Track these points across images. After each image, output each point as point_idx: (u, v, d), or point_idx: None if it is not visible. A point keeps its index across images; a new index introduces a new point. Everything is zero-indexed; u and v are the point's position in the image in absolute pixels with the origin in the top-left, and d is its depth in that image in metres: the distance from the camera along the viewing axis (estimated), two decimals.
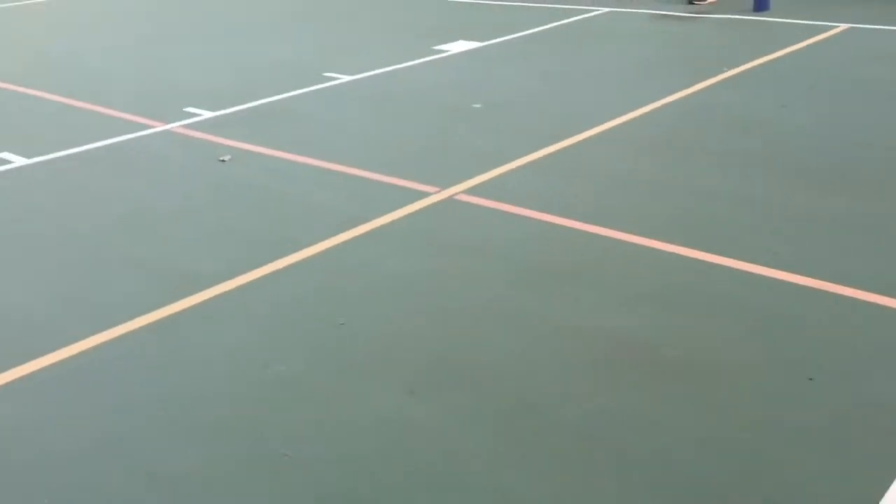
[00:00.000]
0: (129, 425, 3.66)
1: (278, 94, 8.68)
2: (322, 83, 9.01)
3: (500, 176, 6.22)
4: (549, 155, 6.58)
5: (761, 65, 8.73)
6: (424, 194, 5.94)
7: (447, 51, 10.16)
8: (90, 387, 3.95)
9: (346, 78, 9.16)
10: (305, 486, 3.26)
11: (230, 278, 4.86)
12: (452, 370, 3.94)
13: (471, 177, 6.18)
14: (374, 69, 9.45)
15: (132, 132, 7.70)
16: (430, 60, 9.80)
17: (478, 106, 7.93)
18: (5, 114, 8.63)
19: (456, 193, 5.93)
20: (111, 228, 5.67)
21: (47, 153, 7.18)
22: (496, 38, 10.68)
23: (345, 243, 5.27)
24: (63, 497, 3.28)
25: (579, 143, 6.81)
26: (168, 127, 7.79)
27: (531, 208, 5.59)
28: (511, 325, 4.28)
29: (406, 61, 9.74)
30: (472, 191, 5.96)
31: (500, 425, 3.55)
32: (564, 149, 6.69)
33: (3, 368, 4.09)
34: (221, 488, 3.27)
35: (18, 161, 7.06)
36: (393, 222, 5.53)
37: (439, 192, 5.96)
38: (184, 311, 4.55)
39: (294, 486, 3.25)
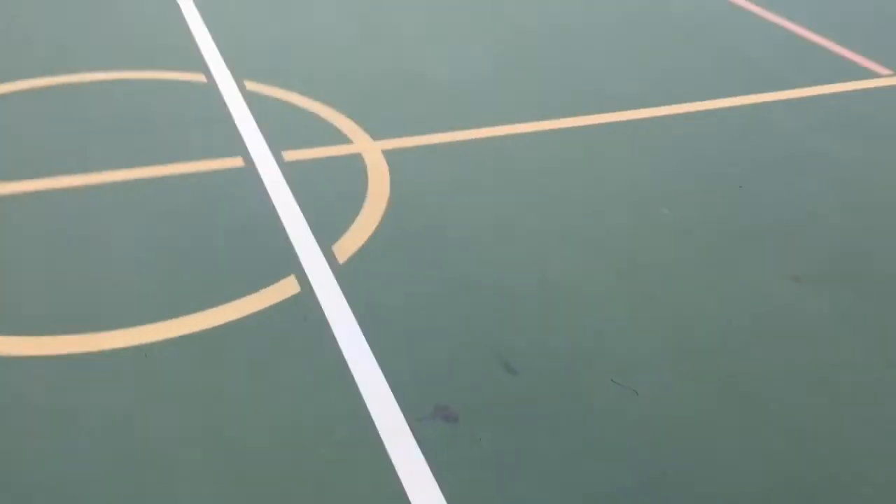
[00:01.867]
0: None
1: None
2: None
3: None
4: None
5: None
6: (874, 74, 5.24)
7: None
8: None
9: None
10: None
11: (637, 107, 4.75)
12: None
13: None
14: None
15: None
16: None
17: None
18: None
19: None
20: (542, 33, 5.75)
21: None
22: None
23: (764, 103, 4.88)
24: None
25: None
26: None
27: None
28: None
29: None
30: None
31: None
32: None
33: None
34: None
35: None
36: (828, 95, 4.98)
37: (891, 76, 5.22)
38: (590, 125, 4.58)
39: None
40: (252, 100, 4.62)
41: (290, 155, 4.14)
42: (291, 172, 4.00)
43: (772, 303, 3.38)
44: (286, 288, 3.30)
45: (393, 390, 2.87)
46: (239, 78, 4.84)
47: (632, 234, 3.75)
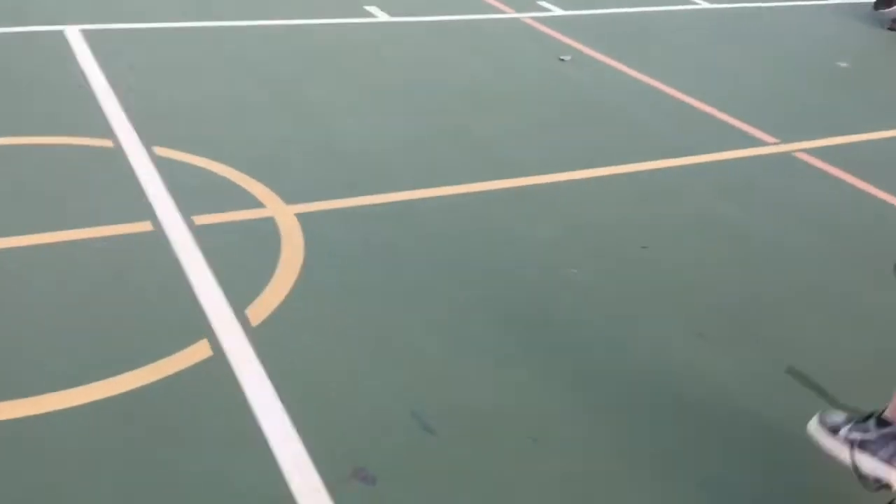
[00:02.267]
0: None
1: (634, 6, 8.49)
2: (685, 4, 8.66)
3: (860, 142, 5.69)
4: None
5: None
6: (760, 143, 5.59)
7: None
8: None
9: (706, 5, 8.72)
10: None
11: (545, 173, 4.93)
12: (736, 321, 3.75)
13: (819, 137, 5.71)
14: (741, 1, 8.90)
15: (487, 13, 7.93)
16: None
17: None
18: None
19: (796, 150, 5.51)
20: (449, 99, 5.94)
21: (407, 16, 7.62)
22: None
23: (661, 170, 5.13)
24: None
25: None
26: (519, 16, 7.92)
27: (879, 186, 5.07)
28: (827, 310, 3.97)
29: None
30: (816, 151, 5.51)
31: None
32: None
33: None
34: None
35: (382, 17, 7.56)
36: (717, 162, 5.28)
37: (777, 144, 5.58)
38: (497, 190, 4.71)
39: None
40: (161, 165, 4.58)
41: (201, 219, 4.11)
42: (202, 236, 3.97)
43: (676, 359, 3.52)
44: (198, 352, 3.24)
45: (309, 453, 2.84)
46: (147, 143, 4.79)
47: (540, 293, 3.85)
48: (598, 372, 3.38)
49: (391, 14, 7.58)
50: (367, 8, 7.68)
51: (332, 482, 2.73)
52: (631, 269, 4.08)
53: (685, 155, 5.32)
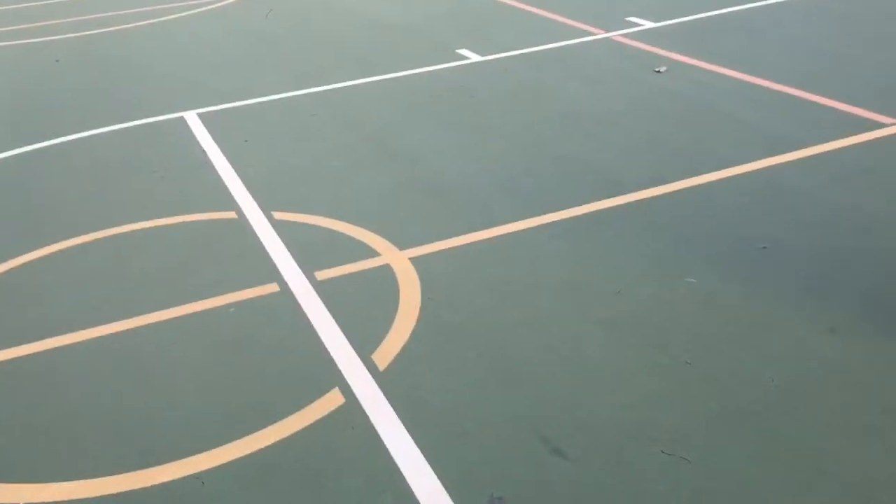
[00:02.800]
0: None
1: (724, 7, 8.33)
2: None
3: None
4: None
5: None
6: (879, 125, 5.35)
7: None
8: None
9: None
10: None
11: (649, 186, 4.89)
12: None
13: None
14: None
15: (576, 38, 7.97)
16: None
17: None
18: (465, 14, 9.43)
19: None
20: (546, 124, 5.99)
21: (497, 53, 7.75)
22: None
23: (774, 167, 4.99)
24: None
25: None
26: (610, 35, 7.92)
27: None
28: None
29: None
30: None
31: None
32: None
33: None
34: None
35: (474, 57, 7.71)
36: (832, 152, 5.09)
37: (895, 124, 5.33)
38: (604, 209, 4.70)
39: None
40: (281, 228, 4.83)
41: (322, 274, 4.30)
42: (325, 290, 4.15)
43: (812, 357, 3.40)
44: (331, 401, 3.39)
45: (446, 487, 2.91)
46: (267, 210, 5.07)
47: (659, 307, 3.81)
48: (729, 379, 3.31)
49: (482, 54, 7.73)
50: (459, 51, 7.86)
51: None
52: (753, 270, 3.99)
53: (798, 148, 5.16)
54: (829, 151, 5.10)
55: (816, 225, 4.34)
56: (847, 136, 5.25)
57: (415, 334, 3.76)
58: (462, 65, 7.58)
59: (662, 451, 2.97)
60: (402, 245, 4.51)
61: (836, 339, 3.48)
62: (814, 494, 2.76)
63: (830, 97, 5.84)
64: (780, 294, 3.81)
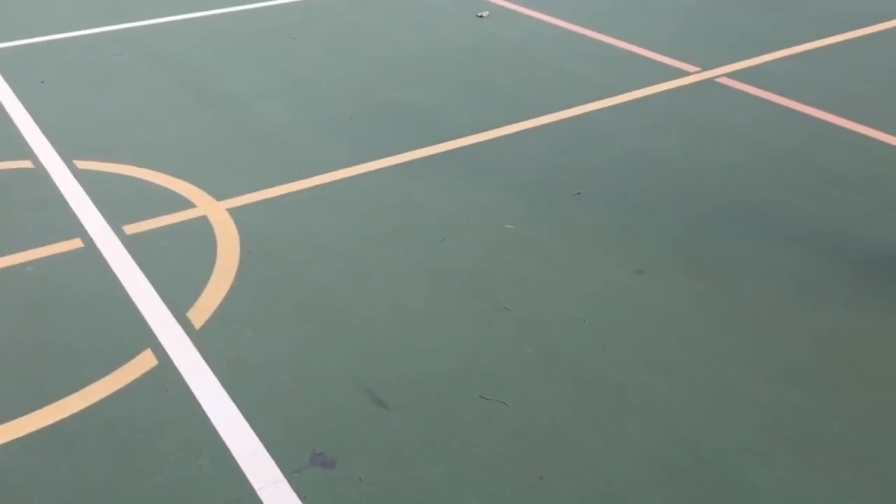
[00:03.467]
0: None
1: None
2: None
3: (770, 62, 5.74)
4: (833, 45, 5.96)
5: None
6: (685, 73, 5.62)
7: None
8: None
9: None
10: None
11: (471, 133, 4.92)
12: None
13: (737, 60, 5.75)
14: None
15: None
16: None
17: None
18: None
19: (718, 76, 5.56)
20: (370, 67, 5.88)
21: None
22: None
23: (591, 113, 5.14)
24: None
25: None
26: None
27: (798, 100, 5.14)
28: (760, 219, 4.04)
29: None
30: (735, 75, 5.56)
31: None
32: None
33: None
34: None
35: None
36: (646, 98, 5.31)
37: (699, 72, 5.62)
38: (429, 157, 4.69)
39: None
40: (84, 178, 4.49)
41: (132, 228, 4.04)
42: (135, 245, 3.91)
43: (621, 297, 3.56)
44: (143, 363, 3.21)
45: (266, 447, 2.84)
46: (68, 158, 4.69)
47: (481, 255, 3.86)
48: (546, 322, 3.41)
49: None
50: None
51: (291, 472, 2.73)
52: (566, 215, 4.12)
53: (611, 95, 5.34)
54: (640, 98, 5.32)
55: (627, 171, 4.53)
56: (657, 83, 5.49)
57: (233, 290, 3.62)
58: (283, 3, 7.27)
59: (481, 396, 3.04)
60: (219, 195, 4.31)
61: (642, 279, 3.67)
62: (621, 427, 2.91)
63: (646, 47, 6.07)
64: (593, 238, 3.95)
